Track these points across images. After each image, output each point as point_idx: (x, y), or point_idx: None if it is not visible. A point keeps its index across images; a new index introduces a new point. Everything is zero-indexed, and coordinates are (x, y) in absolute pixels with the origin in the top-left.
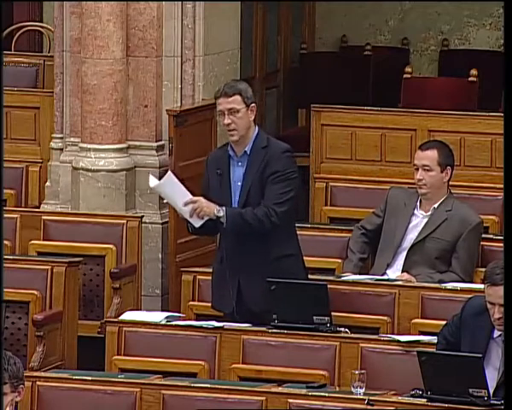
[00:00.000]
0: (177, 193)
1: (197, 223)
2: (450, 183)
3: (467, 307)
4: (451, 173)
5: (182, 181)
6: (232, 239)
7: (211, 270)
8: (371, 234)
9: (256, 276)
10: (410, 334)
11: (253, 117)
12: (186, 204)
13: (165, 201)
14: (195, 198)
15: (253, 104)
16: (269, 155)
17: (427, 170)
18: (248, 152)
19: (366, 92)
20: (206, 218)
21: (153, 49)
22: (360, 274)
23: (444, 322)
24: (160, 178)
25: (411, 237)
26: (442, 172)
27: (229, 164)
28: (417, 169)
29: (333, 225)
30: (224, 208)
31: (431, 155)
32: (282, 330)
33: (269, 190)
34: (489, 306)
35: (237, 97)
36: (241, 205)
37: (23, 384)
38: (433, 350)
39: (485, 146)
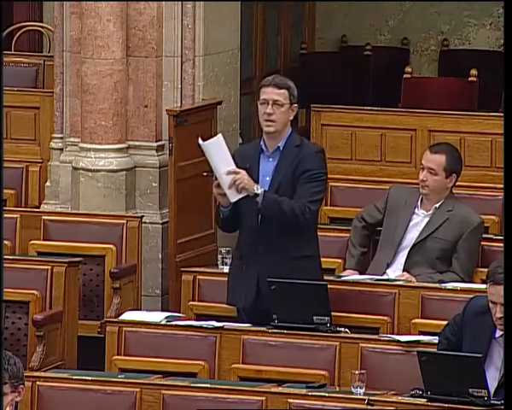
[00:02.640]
0: (222, 159)
1: (234, 197)
2: None
3: (469, 306)
4: (456, 180)
5: (181, 181)
6: (253, 236)
7: (211, 270)
8: (371, 227)
9: (275, 274)
10: (410, 334)
11: (291, 117)
12: (229, 173)
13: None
14: (239, 170)
15: (295, 105)
16: (302, 153)
17: (433, 173)
18: (281, 148)
19: (366, 92)
20: (243, 194)
21: (153, 49)
22: (361, 270)
23: (444, 322)
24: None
25: (411, 236)
26: (447, 178)
27: (259, 158)
28: (423, 169)
29: (333, 225)
30: (263, 189)
31: (438, 160)
32: (282, 330)
33: (302, 187)
34: (491, 305)
35: (285, 92)
36: None
37: (23, 384)
38: (434, 350)
39: (485, 146)
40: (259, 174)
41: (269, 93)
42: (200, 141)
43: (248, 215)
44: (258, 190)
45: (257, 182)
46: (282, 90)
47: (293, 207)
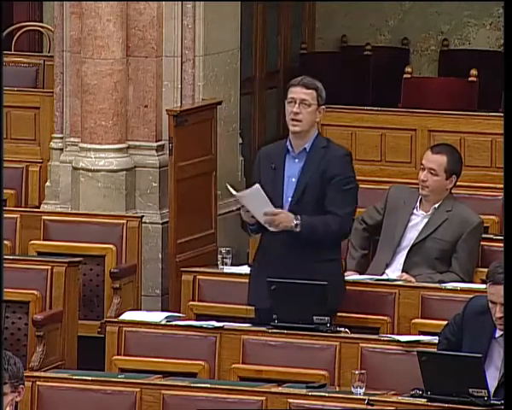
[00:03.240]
0: (259, 204)
1: (272, 229)
2: None
3: (469, 306)
4: (456, 182)
5: (181, 181)
6: (276, 240)
7: (211, 270)
8: (372, 229)
9: (298, 276)
10: (410, 334)
11: (318, 118)
12: (266, 214)
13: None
14: (277, 211)
15: (323, 106)
16: (330, 155)
17: (433, 174)
18: (308, 149)
19: (366, 92)
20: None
21: (153, 49)
22: (361, 271)
23: (444, 322)
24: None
25: (411, 236)
26: (447, 179)
27: (284, 158)
28: (423, 169)
29: None
30: (300, 222)
31: (439, 161)
32: (282, 330)
33: (335, 196)
34: (491, 305)
35: (313, 92)
36: (294, 201)
37: (23, 384)
38: (434, 350)
39: (485, 146)
40: (285, 175)
41: (297, 92)
42: (234, 192)
43: None
44: (297, 227)
45: (282, 182)
46: (310, 91)
47: (332, 228)
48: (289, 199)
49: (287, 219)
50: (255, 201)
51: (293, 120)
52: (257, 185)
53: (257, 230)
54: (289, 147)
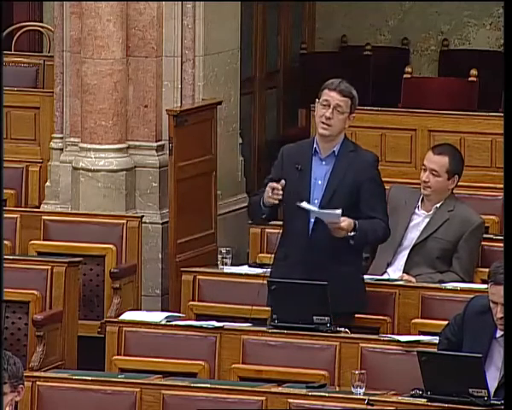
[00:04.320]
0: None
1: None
2: None
3: (469, 306)
4: (458, 182)
5: (181, 181)
6: (302, 240)
7: (211, 270)
8: None
9: (323, 276)
10: (410, 334)
11: (347, 126)
12: (331, 224)
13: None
14: (343, 223)
15: (353, 115)
16: (360, 159)
17: (435, 175)
18: (336, 153)
19: (366, 92)
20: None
21: (153, 49)
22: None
23: (444, 322)
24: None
25: (412, 236)
26: (449, 179)
27: (311, 160)
28: (425, 170)
29: None
30: (357, 228)
31: (441, 161)
32: (282, 330)
33: (374, 200)
34: (492, 305)
35: (348, 100)
36: (322, 204)
37: (23, 384)
38: (434, 350)
39: (485, 146)
40: (311, 177)
41: (333, 97)
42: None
43: (298, 219)
44: (352, 240)
45: (309, 184)
46: (346, 98)
47: (378, 234)
48: (316, 201)
49: (349, 227)
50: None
51: (323, 123)
52: (339, 211)
53: (269, 215)
54: (317, 149)
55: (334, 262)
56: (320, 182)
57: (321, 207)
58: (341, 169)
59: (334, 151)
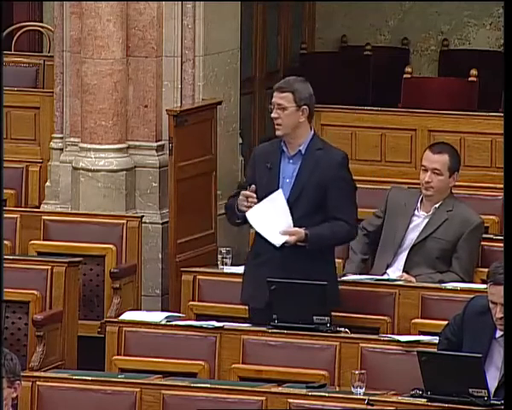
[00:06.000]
0: (279, 215)
1: (277, 241)
2: None
3: (469, 306)
4: (457, 178)
5: (181, 181)
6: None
7: (211, 270)
8: (372, 235)
9: (294, 274)
10: (410, 334)
11: (303, 118)
12: (284, 233)
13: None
14: (293, 230)
15: (305, 106)
16: (327, 157)
17: (437, 174)
18: (303, 152)
19: (366, 92)
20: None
21: (153, 49)
22: (361, 275)
23: (444, 322)
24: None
25: (412, 237)
26: (450, 176)
27: (279, 159)
28: (426, 170)
29: None
30: (308, 237)
31: (442, 160)
32: (282, 330)
33: (340, 200)
34: (491, 305)
35: (289, 95)
36: (291, 202)
37: (19, 381)
38: (434, 350)
39: (485, 146)
40: (280, 175)
41: (274, 97)
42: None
43: None
44: (306, 244)
45: (277, 183)
46: (285, 94)
47: (338, 237)
48: (286, 200)
49: (300, 237)
50: (275, 211)
51: (275, 124)
52: (280, 191)
53: (244, 220)
54: (284, 148)
55: (303, 260)
56: (288, 180)
57: (289, 205)
58: (308, 168)
59: (300, 150)
